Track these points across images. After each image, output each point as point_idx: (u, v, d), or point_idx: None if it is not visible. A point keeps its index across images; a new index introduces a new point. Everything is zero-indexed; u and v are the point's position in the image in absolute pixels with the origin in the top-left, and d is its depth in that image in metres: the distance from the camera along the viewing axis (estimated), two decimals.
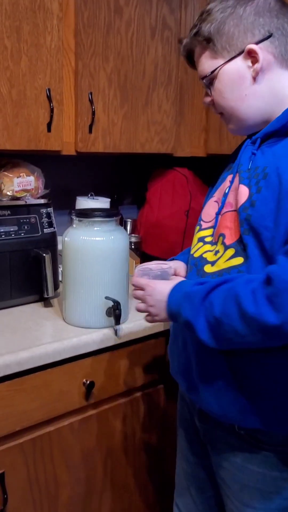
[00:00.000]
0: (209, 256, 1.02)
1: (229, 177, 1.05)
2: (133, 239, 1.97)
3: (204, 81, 1.03)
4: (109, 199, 1.92)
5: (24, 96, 1.42)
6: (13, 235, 1.47)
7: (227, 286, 0.89)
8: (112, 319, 1.32)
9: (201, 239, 1.08)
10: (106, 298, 1.32)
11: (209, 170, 2.12)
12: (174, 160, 2.01)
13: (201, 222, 1.12)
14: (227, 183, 1.05)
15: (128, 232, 2.08)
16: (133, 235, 2.03)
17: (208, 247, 1.04)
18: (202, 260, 1.03)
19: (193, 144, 1.90)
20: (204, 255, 1.04)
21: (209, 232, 1.07)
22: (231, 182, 1.03)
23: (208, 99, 1.06)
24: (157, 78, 1.74)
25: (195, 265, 1.05)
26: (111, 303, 1.31)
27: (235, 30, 0.96)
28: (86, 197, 1.89)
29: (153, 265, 1.13)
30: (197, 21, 1.02)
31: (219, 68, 0.99)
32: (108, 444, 1.42)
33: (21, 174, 1.50)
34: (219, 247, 1.00)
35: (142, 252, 2.02)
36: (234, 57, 0.98)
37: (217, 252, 1.00)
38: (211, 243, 1.04)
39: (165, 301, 1.00)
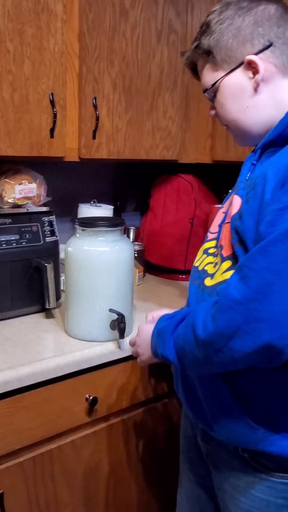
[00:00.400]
0: (210, 269, 1.00)
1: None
2: (136, 247, 1.92)
3: (206, 94, 1.02)
4: (112, 207, 1.88)
5: (27, 100, 1.38)
6: (14, 244, 1.42)
7: (190, 315, 0.91)
8: (116, 332, 1.28)
9: (206, 251, 1.05)
10: (110, 310, 1.27)
11: (214, 177, 2.09)
12: (179, 166, 1.97)
13: (208, 234, 1.10)
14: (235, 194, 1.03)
15: (131, 240, 2.04)
16: (136, 243, 1.98)
17: (210, 259, 1.02)
18: (204, 273, 1.01)
19: (199, 150, 1.85)
20: (206, 268, 1.02)
21: (212, 243, 1.05)
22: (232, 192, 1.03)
23: (213, 111, 1.05)
24: (163, 82, 1.70)
25: (198, 278, 1.03)
26: (115, 316, 1.27)
27: (233, 41, 0.94)
28: (89, 204, 1.84)
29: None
30: (197, 34, 1.00)
31: (220, 80, 0.97)
32: (110, 461, 1.37)
33: (22, 181, 1.45)
34: (218, 259, 0.98)
35: (145, 261, 1.97)
36: (234, 69, 0.96)
37: (216, 264, 0.98)
38: (213, 254, 1.02)
39: (149, 340, 1.02)
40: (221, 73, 0.97)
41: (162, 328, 0.98)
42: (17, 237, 1.44)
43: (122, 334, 1.26)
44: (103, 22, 1.51)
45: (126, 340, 1.31)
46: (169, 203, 1.96)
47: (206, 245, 1.07)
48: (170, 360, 0.95)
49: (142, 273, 1.90)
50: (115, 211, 1.93)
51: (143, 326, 1.09)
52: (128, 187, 2.15)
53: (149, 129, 1.69)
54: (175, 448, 1.51)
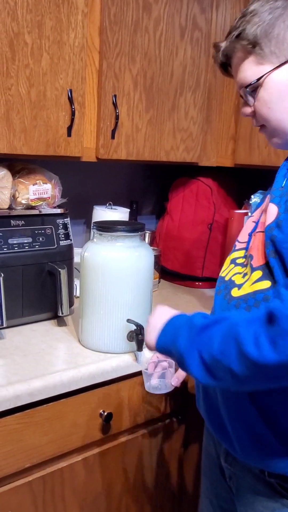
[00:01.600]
0: (237, 279, 0.94)
1: (268, 196, 0.97)
2: None
3: (246, 89, 0.92)
4: (128, 209, 1.80)
5: (44, 97, 1.31)
6: (27, 247, 1.35)
7: (228, 323, 0.80)
8: (134, 344, 1.20)
9: (233, 261, 1.00)
10: (128, 321, 1.20)
11: (234, 182, 2.01)
12: (198, 169, 1.89)
13: (236, 243, 1.04)
14: (266, 201, 0.97)
15: None
16: (151, 247, 1.90)
17: (238, 269, 0.97)
18: (231, 284, 0.95)
19: (220, 153, 1.78)
20: (233, 278, 0.96)
21: (241, 253, 0.99)
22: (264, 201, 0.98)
23: (248, 110, 0.95)
24: (185, 81, 1.62)
25: (225, 288, 0.97)
26: (133, 327, 1.19)
27: (286, 33, 0.86)
28: (104, 206, 1.77)
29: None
30: (239, 23, 0.91)
31: (266, 75, 0.89)
32: (124, 481, 1.29)
33: (37, 182, 1.38)
34: (248, 270, 0.92)
35: (161, 267, 1.89)
36: (284, 63, 0.88)
37: (245, 274, 0.93)
38: (242, 265, 0.97)
39: (163, 323, 0.91)
40: (268, 67, 0.89)
41: (194, 323, 0.85)
42: (30, 240, 1.37)
43: (140, 347, 1.19)
44: (125, 16, 1.43)
45: (144, 352, 1.23)
46: (187, 207, 1.88)
47: (234, 254, 1.01)
48: (185, 359, 0.83)
49: (157, 279, 1.83)
50: (130, 214, 1.86)
51: (163, 308, 0.97)
52: (145, 189, 2.07)
53: (169, 130, 1.62)
54: (191, 467, 1.44)
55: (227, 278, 0.98)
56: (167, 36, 1.54)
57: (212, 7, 1.65)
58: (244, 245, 1.00)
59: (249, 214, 1.08)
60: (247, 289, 0.89)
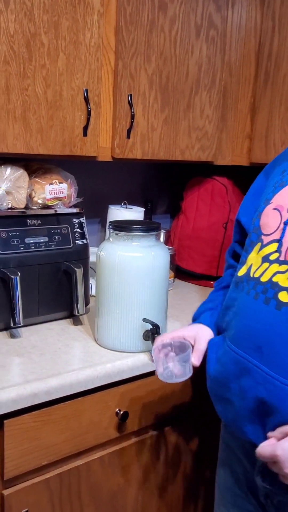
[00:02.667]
0: (283, 280, 0.86)
1: None
2: None
3: None
4: (143, 209, 1.81)
5: (60, 97, 1.31)
6: (43, 246, 1.36)
7: None
8: (150, 343, 1.20)
9: (266, 258, 0.91)
10: (144, 320, 1.20)
11: (250, 180, 2.00)
12: (213, 168, 1.89)
13: (262, 237, 0.95)
14: None
15: None
16: (166, 247, 1.91)
17: (276, 267, 0.88)
18: (273, 286, 0.87)
19: (235, 152, 1.77)
20: (274, 279, 0.87)
21: (273, 247, 0.91)
22: None
23: None
24: (200, 80, 1.62)
25: (264, 292, 0.89)
26: (148, 326, 1.20)
27: None
28: (119, 205, 1.77)
29: (177, 338, 1.09)
30: None
31: None
32: (139, 479, 1.29)
33: (53, 181, 1.39)
34: None
35: (176, 266, 1.89)
36: None
37: None
38: (279, 261, 0.88)
39: None
40: None
41: None
42: (46, 239, 1.38)
43: None
44: (141, 16, 1.43)
45: None
46: (203, 206, 1.88)
47: (265, 251, 0.93)
48: None
49: (172, 278, 1.83)
50: (145, 213, 1.86)
51: None
52: (160, 188, 2.07)
53: (185, 129, 1.62)
54: (208, 466, 1.44)
55: (263, 279, 0.90)
56: (183, 35, 1.54)
57: (228, 5, 1.64)
58: (273, 237, 0.92)
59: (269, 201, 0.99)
60: None
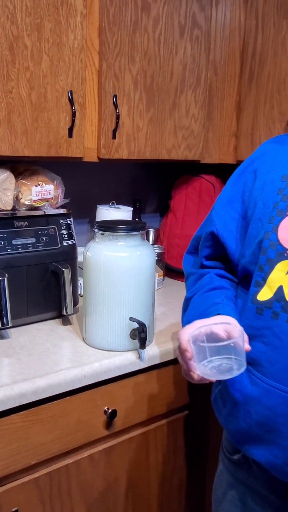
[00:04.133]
0: None
1: None
2: (155, 250, 1.86)
3: None
4: (132, 208, 1.82)
5: (45, 98, 1.32)
6: (30, 247, 1.37)
7: None
8: (137, 342, 1.22)
9: None
10: (131, 319, 1.21)
11: None
12: (200, 167, 1.90)
13: (284, 251, 0.85)
14: None
15: (151, 243, 1.97)
16: (155, 245, 1.92)
17: None
18: None
19: (222, 150, 1.78)
20: None
21: None
22: None
23: None
24: (185, 79, 1.63)
25: None
26: (135, 325, 1.21)
27: None
28: (107, 205, 1.78)
29: (203, 328, 0.81)
30: None
31: None
32: (129, 477, 1.31)
33: (39, 183, 1.40)
34: None
35: (165, 264, 1.91)
36: None
37: None
38: None
39: None
40: None
41: None
42: (34, 240, 1.38)
43: (143, 344, 1.20)
44: (124, 17, 1.44)
45: (147, 350, 1.25)
46: (191, 205, 1.89)
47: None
48: None
49: (161, 276, 1.84)
50: (134, 212, 1.87)
51: None
52: (148, 187, 2.08)
53: (171, 128, 1.63)
54: (197, 463, 1.45)
55: None
56: (167, 35, 1.55)
57: (212, 4, 1.65)
58: None
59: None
60: None
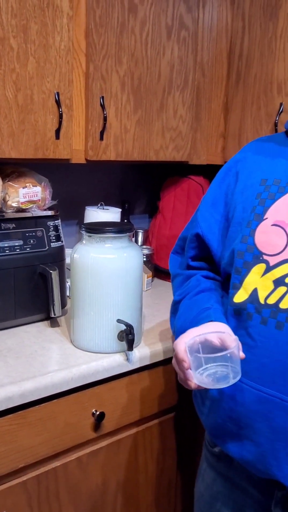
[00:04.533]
0: None
1: None
2: (144, 251, 1.86)
3: None
4: (120, 209, 1.82)
5: (31, 100, 1.32)
6: (18, 250, 1.37)
7: None
8: (124, 344, 1.22)
9: (281, 282, 0.83)
10: (118, 321, 1.21)
11: None
12: (189, 168, 1.90)
13: (264, 257, 0.86)
14: None
15: (140, 244, 1.97)
16: (144, 246, 1.92)
17: None
18: None
19: (210, 151, 1.79)
20: None
21: (287, 268, 0.83)
22: None
23: None
24: (173, 81, 1.63)
25: (287, 319, 0.81)
26: (123, 327, 1.21)
27: None
28: (96, 207, 1.78)
29: (197, 338, 0.82)
30: None
31: None
32: (118, 478, 1.31)
33: (27, 185, 1.39)
34: None
35: (154, 265, 1.91)
36: None
37: None
38: None
39: None
40: None
41: None
42: (21, 242, 1.38)
43: (130, 346, 1.20)
44: (111, 18, 1.44)
45: (135, 352, 1.25)
46: (179, 206, 1.90)
47: (275, 273, 0.84)
48: None
49: (150, 278, 1.84)
50: (122, 214, 1.87)
51: None
52: (137, 189, 2.08)
53: (158, 130, 1.63)
54: (185, 464, 1.45)
55: (286, 306, 0.81)
56: (154, 36, 1.55)
57: (199, 6, 1.65)
58: (284, 258, 0.84)
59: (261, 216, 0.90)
60: None
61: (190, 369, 0.82)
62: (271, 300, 0.83)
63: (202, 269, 1.08)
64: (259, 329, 0.84)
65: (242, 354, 0.83)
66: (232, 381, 0.80)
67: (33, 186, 1.41)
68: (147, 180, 2.10)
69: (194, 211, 1.87)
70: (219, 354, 0.78)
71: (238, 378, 0.81)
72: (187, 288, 1.05)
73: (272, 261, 0.85)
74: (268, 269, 0.85)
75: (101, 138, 1.49)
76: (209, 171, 1.90)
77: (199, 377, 0.81)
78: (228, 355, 0.78)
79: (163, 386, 1.35)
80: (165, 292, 1.79)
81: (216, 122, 1.76)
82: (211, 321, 0.90)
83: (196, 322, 0.92)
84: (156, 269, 1.92)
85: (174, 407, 1.40)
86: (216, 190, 1.04)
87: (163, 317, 1.51)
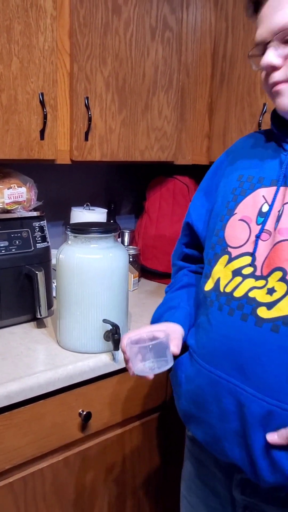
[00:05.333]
0: (261, 296, 0.83)
1: (267, 191, 0.88)
2: (131, 251, 1.86)
3: (280, 34, 0.80)
4: (106, 210, 1.82)
5: (15, 101, 1.32)
6: (3, 251, 1.36)
7: None
8: (111, 344, 1.22)
9: (238, 272, 0.87)
10: (104, 321, 1.21)
11: None
12: (174, 168, 1.91)
13: (229, 249, 0.91)
14: (260, 198, 0.89)
15: (126, 244, 1.98)
16: (131, 246, 1.93)
17: (251, 282, 0.85)
18: (251, 302, 0.84)
19: (195, 151, 1.80)
20: (251, 294, 0.84)
21: (246, 260, 0.87)
22: (274, 198, 0.86)
23: (274, 60, 0.82)
24: (158, 81, 1.64)
25: (239, 308, 0.85)
26: (109, 327, 1.21)
27: None
28: (82, 207, 1.78)
29: (144, 333, 0.94)
30: None
31: None
32: (105, 478, 1.31)
33: (12, 185, 1.39)
34: (276, 284, 0.81)
35: (141, 265, 1.91)
36: None
37: (272, 290, 0.82)
38: (255, 276, 0.85)
39: None
40: None
41: None
42: (6, 243, 1.37)
43: (116, 346, 1.20)
44: (95, 19, 1.44)
45: (120, 352, 1.25)
46: (165, 206, 1.90)
47: (235, 264, 0.88)
48: None
49: (137, 278, 1.85)
50: (109, 214, 1.87)
51: None
52: (122, 189, 2.08)
53: (143, 130, 1.63)
54: (171, 462, 1.46)
55: (238, 294, 0.85)
56: (138, 37, 1.55)
57: (182, 7, 1.66)
58: (245, 250, 0.88)
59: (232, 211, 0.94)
60: (285, 310, 0.80)
61: (130, 360, 0.91)
62: (228, 289, 0.88)
63: (194, 257, 1.13)
64: (216, 315, 0.89)
65: (173, 349, 0.90)
66: (157, 370, 0.90)
67: (18, 187, 1.40)
68: (133, 180, 2.10)
69: (180, 211, 1.89)
70: (143, 345, 0.90)
71: (166, 367, 0.90)
72: (173, 281, 1.14)
73: (234, 253, 0.90)
74: (230, 260, 0.90)
75: (86, 139, 1.49)
76: (194, 171, 1.91)
77: (141, 367, 0.91)
78: (150, 346, 0.89)
79: (150, 385, 1.35)
80: (151, 292, 1.79)
81: (201, 122, 1.77)
82: (166, 321, 1.00)
83: (160, 319, 1.04)
84: (142, 269, 1.93)
85: (160, 406, 1.40)
86: (209, 180, 1.07)
87: (149, 317, 1.51)
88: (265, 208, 0.89)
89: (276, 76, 0.84)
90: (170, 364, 0.90)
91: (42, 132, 1.38)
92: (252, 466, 0.83)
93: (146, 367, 0.91)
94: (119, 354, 1.24)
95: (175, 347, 0.91)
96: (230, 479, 0.94)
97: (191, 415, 0.94)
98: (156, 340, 0.89)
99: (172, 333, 0.93)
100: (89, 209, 1.77)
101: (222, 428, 0.86)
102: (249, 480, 0.88)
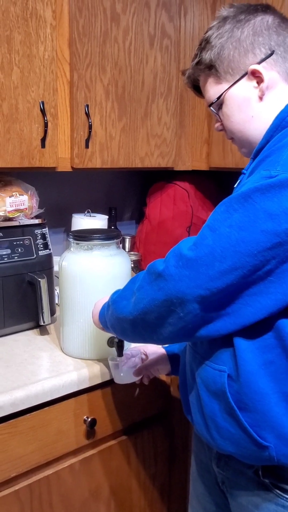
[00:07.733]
0: None
1: None
2: (132, 257, 1.87)
3: (212, 108, 1.00)
4: (107, 216, 1.83)
5: (16, 110, 1.33)
6: (5, 259, 1.37)
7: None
8: (114, 350, 1.22)
9: None
10: None
11: (211, 184, 2.04)
12: (174, 174, 1.92)
13: None
14: None
15: (127, 250, 1.98)
16: (132, 252, 1.93)
17: None
18: None
19: (195, 157, 1.81)
20: None
21: None
22: None
23: (218, 125, 1.04)
24: (157, 88, 1.65)
25: None
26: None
27: (235, 53, 0.94)
28: (83, 214, 1.79)
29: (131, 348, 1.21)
30: (197, 51, 1.01)
31: (225, 92, 0.97)
32: (111, 485, 1.31)
33: (13, 193, 1.40)
34: None
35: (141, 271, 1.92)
36: (238, 80, 0.95)
37: None
38: None
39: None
40: (225, 85, 0.96)
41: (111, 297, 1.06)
42: (9, 251, 1.38)
43: (120, 352, 1.20)
44: (94, 28, 1.46)
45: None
46: (165, 211, 1.91)
47: None
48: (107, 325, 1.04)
49: None
50: (109, 220, 1.88)
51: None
52: (123, 195, 2.09)
53: (143, 137, 1.64)
54: (179, 468, 1.46)
55: None
56: (137, 45, 1.57)
57: (180, 14, 1.68)
58: None
59: None
60: None
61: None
62: None
63: None
64: None
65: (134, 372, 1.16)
66: (125, 381, 1.18)
67: (19, 194, 1.41)
68: (133, 186, 2.11)
69: (180, 217, 1.89)
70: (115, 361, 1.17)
71: (127, 382, 1.18)
72: None
73: None
74: None
75: (87, 146, 1.50)
76: (194, 177, 1.92)
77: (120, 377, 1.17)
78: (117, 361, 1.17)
79: (154, 390, 1.36)
80: None
81: (200, 128, 1.78)
82: None
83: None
84: None
85: (164, 412, 1.40)
86: None
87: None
88: None
89: (226, 136, 1.04)
90: (131, 380, 1.17)
91: (43, 140, 1.39)
92: (208, 431, 0.92)
93: (118, 378, 1.17)
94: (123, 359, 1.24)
95: (137, 371, 1.16)
96: (211, 452, 1.03)
97: (181, 390, 1.05)
98: (130, 362, 1.16)
99: (149, 355, 1.17)
100: (90, 216, 1.78)
101: (191, 400, 0.98)
102: (221, 453, 0.97)
